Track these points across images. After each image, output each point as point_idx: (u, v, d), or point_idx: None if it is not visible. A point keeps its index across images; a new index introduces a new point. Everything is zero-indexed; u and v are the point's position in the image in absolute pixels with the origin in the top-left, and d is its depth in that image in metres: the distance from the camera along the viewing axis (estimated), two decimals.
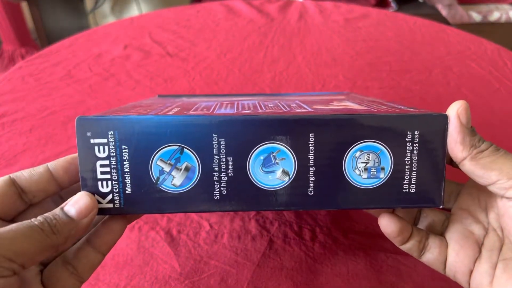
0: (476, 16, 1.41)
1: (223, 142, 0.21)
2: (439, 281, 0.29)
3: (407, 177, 0.22)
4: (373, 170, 0.21)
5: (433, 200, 0.22)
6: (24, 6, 1.40)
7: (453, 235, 0.24)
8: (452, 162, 0.23)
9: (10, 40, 1.43)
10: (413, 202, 0.22)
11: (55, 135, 0.45)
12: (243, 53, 0.66)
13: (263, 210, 0.25)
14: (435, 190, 0.22)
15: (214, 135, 0.21)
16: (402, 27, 0.76)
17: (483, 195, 0.24)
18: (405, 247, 0.24)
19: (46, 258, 0.20)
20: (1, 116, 0.48)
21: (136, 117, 0.21)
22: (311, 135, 0.21)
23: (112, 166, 0.21)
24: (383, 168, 0.21)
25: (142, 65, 0.61)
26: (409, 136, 0.21)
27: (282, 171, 0.21)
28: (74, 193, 0.21)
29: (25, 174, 0.21)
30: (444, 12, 1.37)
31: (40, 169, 0.22)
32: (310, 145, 0.21)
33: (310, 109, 0.23)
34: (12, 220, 0.21)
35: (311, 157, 0.21)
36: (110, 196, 0.21)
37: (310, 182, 0.21)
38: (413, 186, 0.22)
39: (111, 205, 0.21)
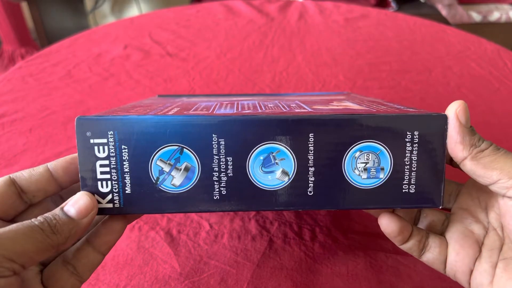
0: (476, 16, 1.41)
1: (222, 142, 0.21)
2: (439, 281, 0.29)
3: (406, 177, 0.22)
4: (372, 170, 0.21)
5: (433, 200, 0.22)
6: (24, 6, 1.41)
7: (453, 235, 0.24)
8: (452, 162, 0.23)
9: (10, 40, 1.43)
10: (412, 202, 0.22)
11: (55, 135, 0.45)
12: (243, 53, 0.66)
13: (263, 210, 0.25)
14: (434, 191, 0.22)
15: (213, 135, 0.21)
16: (402, 27, 0.76)
17: (483, 194, 0.24)
18: (405, 247, 0.24)
19: (46, 258, 0.20)
20: (1, 116, 0.48)
21: (136, 117, 0.21)
22: (311, 135, 0.21)
23: (112, 166, 0.21)
24: (382, 168, 0.21)
25: (142, 65, 0.62)
26: (409, 136, 0.21)
27: (282, 171, 0.21)
28: (74, 193, 0.21)
29: (25, 174, 0.21)
30: (444, 12, 1.37)
31: (40, 169, 0.22)
32: (309, 145, 0.21)
33: (310, 109, 0.23)
34: (12, 220, 0.21)
35: (311, 157, 0.21)
36: (109, 196, 0.21)
37: (310, 182, 0.21)
38: (412, 186, 0.22)
39: (110, 205, 0.21)
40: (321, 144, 0.21)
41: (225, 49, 0.67)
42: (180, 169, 0.21)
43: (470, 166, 0.21)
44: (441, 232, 0.25)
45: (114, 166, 0.21)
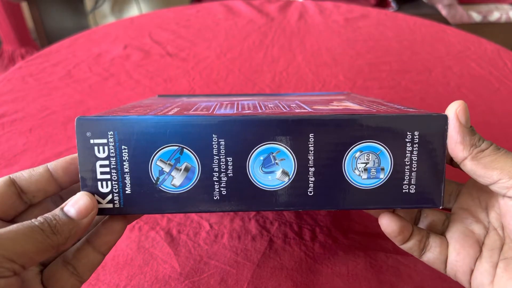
0: (476, 16, 1.41)
1: (222, 143, 0.21)
2: (439, 281, 0.29)
3: (407, 177, 0.22)
4: (373, 170, 0.21)
5: (433, 200, 0.22)
6: (24, 6, 1.41)
7: (454, 235, 0.24)
8: (452, 162, 0.23)
9: (10, 40, 1.43)
10: (413, 203, 0.22)
11: (55, 135, 0.45)
12: (243, 53, 0.66)
13: (263, 211, 0.25)
14: (435, 191, 0.22)
15: (214, 135, 0.21)
16: (402, 27, 0.76)
17: (484, 194, 0.24)
18: (405, 247, 0.24)
19: (46, 258, 0.20)
20: (1, 116, 0.48)
21: (136, 117, 0.21)
22: (311, 135, 0.21)
23: (112, 166, 0.21)
24: (382, 169, 0.21)
25: (142, 65, 0.61)
26: (409, 136, 0.21)
27: (282, 171, 0.21)
28: (74, 193, 0.21)
29: (25, 175, 0.21)
30: (444, 12, 1.37)
31: (40, 169, 0.22)
32: (310, 145, 0.21)
33: (310, 110, 0.23)
34: (12, 221, 0.21)
35: (311, 158, 0.21)
36: (110, 196, 0.21)
37: (310, 182, 0.21)
38: (413, 187, 0.22)
39: (111, 205, 0.21)
40: (321, 144, 0.21)
41: (225, 49, 0.67)
42: (180, 169, 0.21)
43: (470, 166, 0.21)
44: (441, 232, 0.25)
45: (114, 166, 0.21)
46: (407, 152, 0.21)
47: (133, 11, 1.89)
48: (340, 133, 0.21)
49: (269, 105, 0.26)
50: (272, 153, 0.21)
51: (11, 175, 0.21)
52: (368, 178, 0.22)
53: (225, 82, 0.58)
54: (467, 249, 0.23)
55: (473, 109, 0.50)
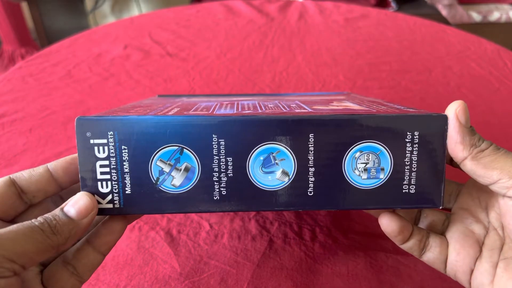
0: (476, 16, 1.41)
1: (222, 143, 0.21)
2: (439, 281, 0.29)
3: (406, 177, 0.22)
4: (372, 170, 0.21)
5: (433, 200, 0.22)
6: (24, 6, 1.41)
7: (454, 235, 0.24)
8: (452, 162, 0.23)
9: (10, 40, 1.43)
10: (412, 203, 0.22)
11: (55, 135, 0.45)
12: (243, 53, 0.66)
13: (263, 211, 0.25)
14: (435, 191, 0.22)
15: (214, 136, 0.21)
16: (402, 27, 0.76)
17: (484, 194, 0.24)
18: (405, 246, 0.24)
19: (46, 258, 0.20)
20: (1, 116, 0.48)
21: (135, 117, 0.21)
22: (311, 135, 0.21)
23: (112, 166, 0.21)
24: (382, 169, 0.21)
25: (142, 65, 0.61)
26: (409, 136, 0.21)
27: (282, 171, 0.21)
28: (74, 193, 0.21)
29: (25, 175, 0.21)
30: (444, 12, 1.37)
31: (40, 169, 0.22)
32: (310, 145, 0.21)
33: (310, 110, 0.23)
34: (12, 221, 0.21)
35: (311, 158, 0.21)
36: (110, 197, 0.21)
37: (310, 182, 0.21)
38: (412, 187, 0.22)
39: (111, 205, 0.21)
40: (321, 144, 0.21)
41: (225, 49, 0.67)
42: (180, 170, 0.21)
43: (470, 166, 0.21)
44: (441, 232, 0.25)
45: (114, 166, 0.21)
46: (407, 152, 0.21)
47: (133, 11, 1.89)
48: (340, 133, 0.21)
49: (269, 105, 0.26)
50: (272, 153, 0.21)
51: (11, 175, 0.21)
52: (368, 178, 0.22)
53: (225, 82, 0.58)
54: (467, 249, 0.23)
55: (473, 109, 0.50)
